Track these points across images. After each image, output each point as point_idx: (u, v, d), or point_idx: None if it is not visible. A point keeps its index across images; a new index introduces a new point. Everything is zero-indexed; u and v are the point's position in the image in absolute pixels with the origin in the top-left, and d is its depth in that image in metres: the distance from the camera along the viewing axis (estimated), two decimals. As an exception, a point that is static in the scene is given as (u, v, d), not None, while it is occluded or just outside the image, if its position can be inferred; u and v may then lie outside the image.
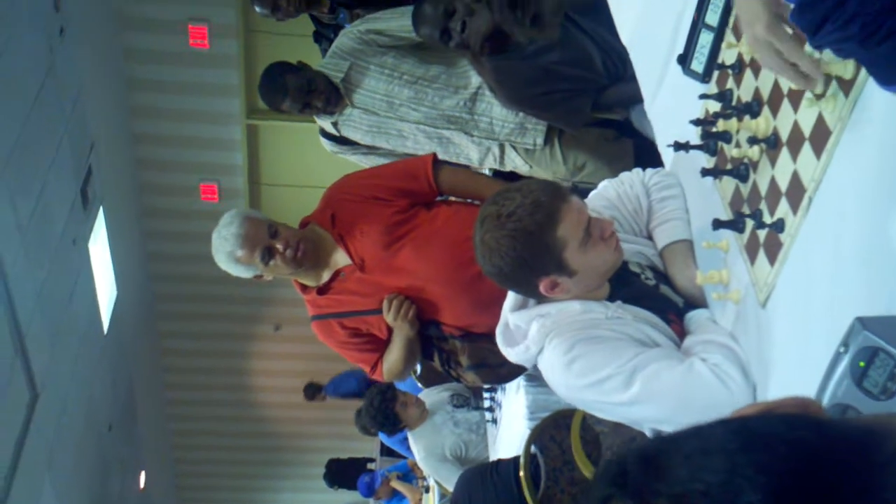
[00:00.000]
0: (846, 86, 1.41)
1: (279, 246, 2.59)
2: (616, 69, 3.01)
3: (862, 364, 1.17)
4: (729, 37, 1.89)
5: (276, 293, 8.02)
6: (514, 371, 2.85)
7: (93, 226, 6.71)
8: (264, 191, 7.75)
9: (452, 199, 2.93)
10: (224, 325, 8.83)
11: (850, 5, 1.06)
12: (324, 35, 4.28)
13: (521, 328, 1.95)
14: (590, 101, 3.11)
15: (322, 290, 2.76)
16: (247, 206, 7.51)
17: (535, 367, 1.96)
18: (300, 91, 3.36)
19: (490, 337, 2.11)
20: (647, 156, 2.62)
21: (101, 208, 6.82)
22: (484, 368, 2.81)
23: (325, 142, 3.71)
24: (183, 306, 8.62)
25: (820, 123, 1.48)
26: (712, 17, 1.90)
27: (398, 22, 3.32)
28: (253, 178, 7.62)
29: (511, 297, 2.01)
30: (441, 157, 3.38)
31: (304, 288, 2.81)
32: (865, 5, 1.05)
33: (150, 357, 8.93)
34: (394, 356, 2.80)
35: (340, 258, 2.73)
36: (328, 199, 2.83)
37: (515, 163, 3.39)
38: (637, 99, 2.59)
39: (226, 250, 2.60)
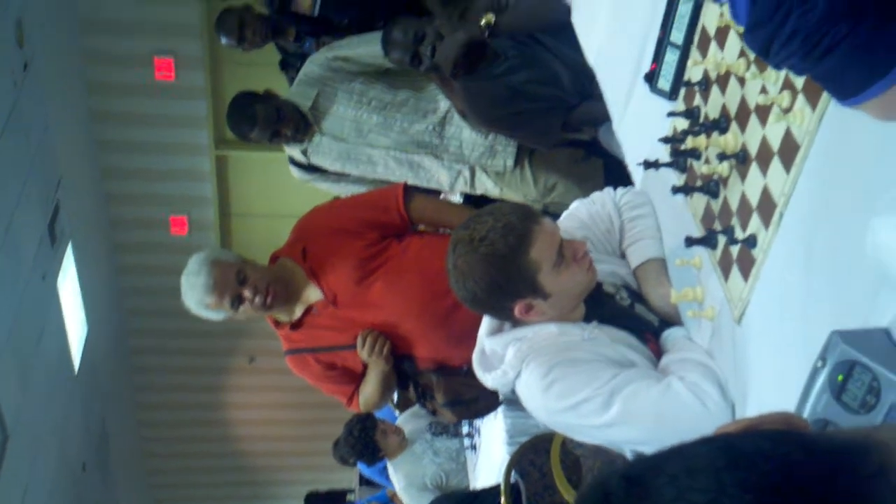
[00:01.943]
0: (813, 99, 1.41)
1: (248, 293, 2.58)
2: (584, 87, 3.03)
3: (840, 378, 1.17)
4: (694, 54, 1.89)
5: (250, 325, 7.95)
6: (490, 405, 2.85)
7: (62, 262, 6.63)
8: (235, 221, 7.70)
9: (423, 228, 2.91)
10: (198, 360, 8.74)
11: (791, 22, 1.06)
12: (290, 64, 4.28)
13: (497, 353, 1.93)
14: (560, 119, 3.11)
15: (295, 325, 2.75)
16: (217, 238, 7.45)
17: (513, 391, 1.94)
18: (269, 120, 3.34)
19: (465, 370, 2.09)
20: (616, 175, 2.62)
21: (69, 244, 6.74)
22: (459, 406, 2.81)
23: (294, 170, 3.69)
24: (156, 341, 8.53)
25: (788, 138, 1.48)
26: (677, 35, 1.90)
27: (365, 48, 3.32)
28: (223, 210, 7.57)
29: (486, 322, 1.99)
30: (411, 182, 3.37)
31: (278, 323, 2.79)
32: (803, 19, 1.05)
33: (123, 393, 8.81)
34: (369, 389, 2.79)
35: (313, 293, 2.71)
36: (299, 233, 2.81)
37: (486, 186, 3.39)
38: (605, 118, 2.60)
39: (195, 298, 2.60)
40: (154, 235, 7.60)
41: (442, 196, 3.69)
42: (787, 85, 1.49)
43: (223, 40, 3.96)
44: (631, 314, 1.96)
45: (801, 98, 1.44)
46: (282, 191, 7.05)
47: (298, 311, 2.73)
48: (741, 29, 1.67)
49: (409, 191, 2.84)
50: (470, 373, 2.01)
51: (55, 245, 6.41)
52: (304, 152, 3.50)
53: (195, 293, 2.58)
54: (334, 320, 2.71)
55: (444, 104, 3.30)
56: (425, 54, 2.95)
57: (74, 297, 7.00)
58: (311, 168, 3.59)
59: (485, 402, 2.71)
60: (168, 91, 6.82)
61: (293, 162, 3.65)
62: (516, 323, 1.93)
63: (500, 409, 3.45)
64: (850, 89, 1.11)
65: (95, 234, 7.45)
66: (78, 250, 6.87)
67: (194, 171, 7.30)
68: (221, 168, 7.36)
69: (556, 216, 2.21)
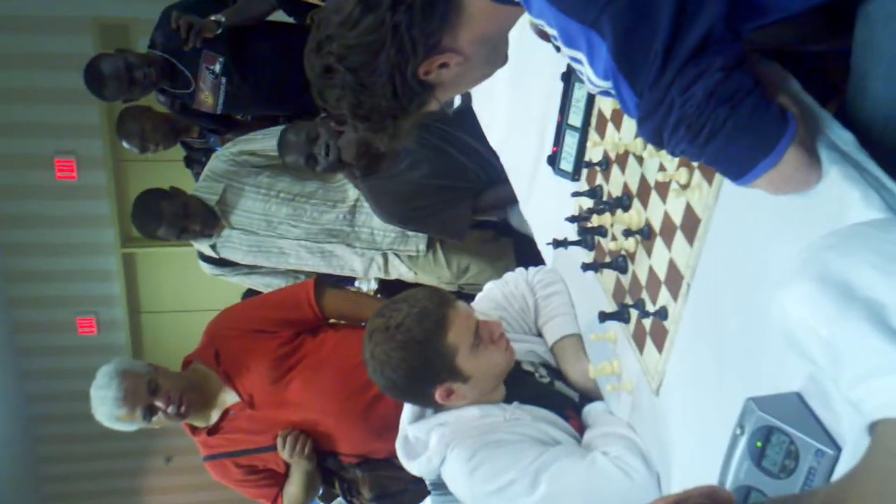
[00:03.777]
0: (709, 174, 1.47)
1: (160, 403, 2.53)
2: (489, 174, 3.08)
3: (759, 444, 1.19)
4: (593, 136, 1.95)
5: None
6: (417, 496, 2.81)
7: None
8: (145, 319, 7.54)
9: (337, 321, 2.89)
10: (112, 464, 8.42)
11: (675, 112, 1.10)
12: (195, 159, 4.25)
13: (420, 439, 1.92)
14: (467, 209, 3.15)
15: (213, 431, 2.68)
16: (127, 336, 7.28)
17: (439, 477, 1.93)
18: (175, 216, 3.31)
19: (390, 462, 2.07)
20: (527, 253, 2.67)
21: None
22: (386, 500, 2.76)
23: (204, 265, 3.64)
24: (67, 447, 8.20)
25: (689, 212, 1.53)
26: (575, 119, 1.97)
27: (270, 142, 3.32)
28: (132, 308, 7.42)
29: (408, 409, 1.99)
30: (324, 270, 3.36)
31: (194, 429, 2.72)
32: (684, 109, 1.10)
33: (32, 505, 8.43)
34: (293, 490, 2.73)
35: (228, 397, 2.66)
36: (211, 336, 2.76)
37: (400, 270, 3.40)
38: (513, 200, 2.65)
39: (105, 412, 2.53)
40: (61, 338, 7.38)
41: (356, 283, 3.68)
42: (684, 162, 1.55)
43: (125, 145, 3.90)
44: (551, 392, 1.97)
45: (697, 174, 1.50)
46: (192, 286, 6.95)
47: (215, 416, 2.67)
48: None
49: (320, 286, 2.82)
50: (396, 464, 1.99)
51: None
52: (214, 247, 3.47)
53: (105, 407, 2.51)
54: (253, 422, 2.66)
55: (353, 193, 3.31)
56: (320, 154, 2.96)
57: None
58: (221, 262, 3.56)
59: (412, 493, 2.67)
60: (70, 191, 6.70)
61: (203, 257, 3.61)
62: (438, 408, 1.93)
63: (428, 499, 3.40)
64: (738, 170, 1.15)
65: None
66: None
67: (101, 271, 7.15)
68: (129, 266, 7.23)
69: (471, 298, 2.23)
